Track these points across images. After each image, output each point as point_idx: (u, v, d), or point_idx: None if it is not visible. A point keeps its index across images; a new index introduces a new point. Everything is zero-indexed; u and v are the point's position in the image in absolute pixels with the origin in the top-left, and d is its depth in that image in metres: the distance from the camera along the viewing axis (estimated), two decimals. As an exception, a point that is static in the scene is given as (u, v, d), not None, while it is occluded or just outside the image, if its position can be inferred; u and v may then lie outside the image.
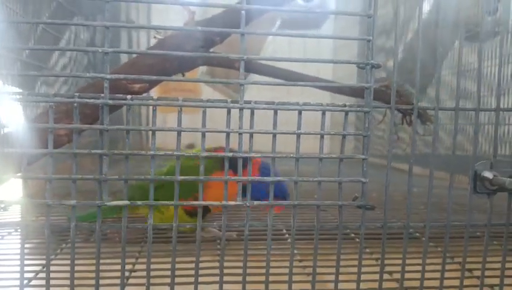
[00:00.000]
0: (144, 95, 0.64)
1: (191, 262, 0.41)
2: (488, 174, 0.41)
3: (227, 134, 0.40)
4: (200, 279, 0.39)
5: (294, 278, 0.40)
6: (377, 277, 0.42)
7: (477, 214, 0.51)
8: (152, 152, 0.38)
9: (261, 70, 0.68)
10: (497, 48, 1.26)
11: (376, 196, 0.63)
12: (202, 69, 2.17)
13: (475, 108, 0.43)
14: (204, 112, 0.39)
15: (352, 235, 0.71)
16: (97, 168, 0.38)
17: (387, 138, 0.95)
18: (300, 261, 0.61)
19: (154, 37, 0.73)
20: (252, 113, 0.40)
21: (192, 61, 0.66)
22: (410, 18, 2.07)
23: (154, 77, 0.41)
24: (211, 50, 0.69)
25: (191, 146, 1.33)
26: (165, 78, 0.45)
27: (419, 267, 0.42)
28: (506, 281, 0.45)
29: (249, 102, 0.40)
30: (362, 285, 0.41)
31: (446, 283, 0.43)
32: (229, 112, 0.40)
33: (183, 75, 0.70)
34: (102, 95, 0.37)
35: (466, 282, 0.44)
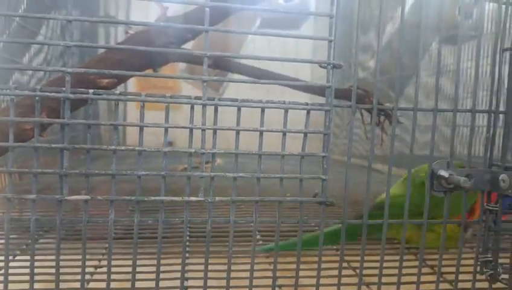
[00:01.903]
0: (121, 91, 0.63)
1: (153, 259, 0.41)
2: (444, 173, 0.42)
3: (191, 130, 0.40)
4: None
5: (257, 274, 0.41)
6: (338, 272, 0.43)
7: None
8: (113, 147, 0.38)
9: (232, 68, 0.68)
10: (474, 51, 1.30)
11: (353, 195, 0.64)
12: (181, 66, 2.16)
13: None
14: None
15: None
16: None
17: (367, 138, 0.96)
18: (267, 257, 0.62)
19: (126, 33, 0.73)
20: (216, 110, 0.40)
21: (163, 57, 0.66)
22: (390, 18, 2.11)
23: (115, 72, 0.41)
24: (183, 47, 0.69)
25: (171, 144, 1.32)
26: (129, 73, 0.45)
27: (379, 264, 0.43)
28: (462, 277, 0.46)
29: (212, 99, 0.40)
30: (322, 280, 0.42)
31: (404, 279, 0.44)
32: (192, 108, 0.40)
33: (155, 71, 0.70)
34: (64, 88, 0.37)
35: (425, 278, 0.46)
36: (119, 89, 2.28)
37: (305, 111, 0.41)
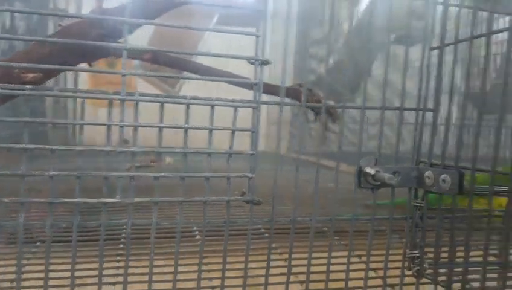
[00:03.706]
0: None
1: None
2: (370, 170, 0.42)
3: (108, 127, 0.38)
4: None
5: (180, 276, 0.40)
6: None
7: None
8: (23, 146, 0.36)
9: (173, 64, 0.66)
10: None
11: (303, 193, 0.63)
12: (136, 62, 2.10)
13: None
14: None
15: (263, 230, 0.72)
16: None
17: (310, 136, 0.98)
18: (205, 257, 0.60)
19: (59, 25, 0.69)
20: (137, 105, 0.38)
21: (96, 51, 0.63)
22: (346, 18, 2.14)
23: (30, 65, 0.38)
24: (120, 40, 0.66)
25: (126, 142, 1.28)
26: (54, 67, 0.42)
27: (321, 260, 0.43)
28: (393, 272, 0.47)
29: (132, 94, 0.38)
30: (249, 280, 0.41)
31: (333, 267, 0.44)
32: (110, 104, 0.38)
33: (90, 66, 0.67)
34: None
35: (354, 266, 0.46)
36: (68, 84, 2.18)
37: (235, 108, 0.40)
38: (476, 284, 0.42)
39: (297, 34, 2.39)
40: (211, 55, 0.42)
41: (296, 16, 2.28)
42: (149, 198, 0.38)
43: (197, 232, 0.70)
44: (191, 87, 2.39)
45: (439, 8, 0.46)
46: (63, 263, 0.42)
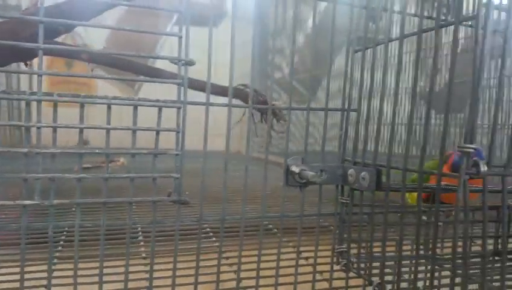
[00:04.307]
0: None
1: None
2: (295, 169, 0.43)
3: (26, 128, 0.37)
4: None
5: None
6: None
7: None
8: None
9: (112, 64, 0.65)
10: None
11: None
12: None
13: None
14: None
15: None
16: None
17: (256, 136, 0.99)
18: (144, 258, 0.60)
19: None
20: (55, 106, 0.38)
21: (31, 51, 0.61)
22: (304, 21, 2.17)
23: None
24: (56, 39, 0.65)
25: (86, 142, 1.25)
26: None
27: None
28: (324, 267, 0.48)
29: (51, 94, 0.38)
30: (178, 280, 0.41)
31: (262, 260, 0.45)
32: (28, 105, 0.37)
33: (27, 65, 0.65)
34: None
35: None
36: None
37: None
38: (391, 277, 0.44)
39: (258, 34, 2.40)
40: (136, 55, 0.42)
41: (254, 15, 2.30)
42: (69, 200, 0.38)
43: (140, 233, 0.70)
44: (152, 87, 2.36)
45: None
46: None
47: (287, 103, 0.46)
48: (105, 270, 0.40)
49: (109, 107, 0.39)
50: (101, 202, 0.39)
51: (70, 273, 0.39)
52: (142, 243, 0.66)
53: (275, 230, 0.75)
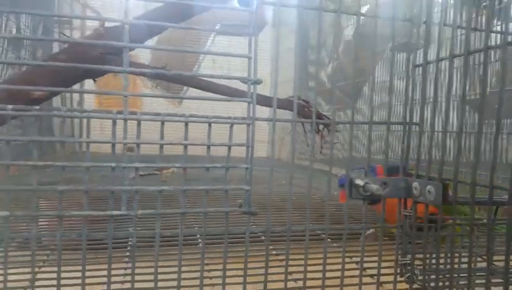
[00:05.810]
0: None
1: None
2: (360, 182, 0.45)
3: (113, 145, 0.40)
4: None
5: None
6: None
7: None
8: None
9: (174, 79, 0.69)
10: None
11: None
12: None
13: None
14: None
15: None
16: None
17: (307, 146, 1.01)
18: (207, 264, 0.63)
19: (62, 34, 0.72)
20: (139, 124, 0.41)
21: (99, 69, 0.66)
22: (343, 28, 2.17)
23: (35, 88, 0.41)
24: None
25: (131, 149, 1.31)
26: (59, 89, 0.45)
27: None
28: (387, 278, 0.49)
29: (135, 113, 0.41)
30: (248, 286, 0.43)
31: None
32: (114, 123, 0.41)
33: (95, 81, 0.70)
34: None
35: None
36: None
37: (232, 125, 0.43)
38: None
39: (298, 42, 2.43)
40: (205, 76, 0.44)
41: (295, 24, 2.33)
42: (152, 210, 0.41)
43: (199, 240, 0.73)
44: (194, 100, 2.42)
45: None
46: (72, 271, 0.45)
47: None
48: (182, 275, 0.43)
49: (162, 123, 0.42)
50: (179, 212, 0.42)
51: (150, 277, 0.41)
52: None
53: (329, 240, 0.76)
